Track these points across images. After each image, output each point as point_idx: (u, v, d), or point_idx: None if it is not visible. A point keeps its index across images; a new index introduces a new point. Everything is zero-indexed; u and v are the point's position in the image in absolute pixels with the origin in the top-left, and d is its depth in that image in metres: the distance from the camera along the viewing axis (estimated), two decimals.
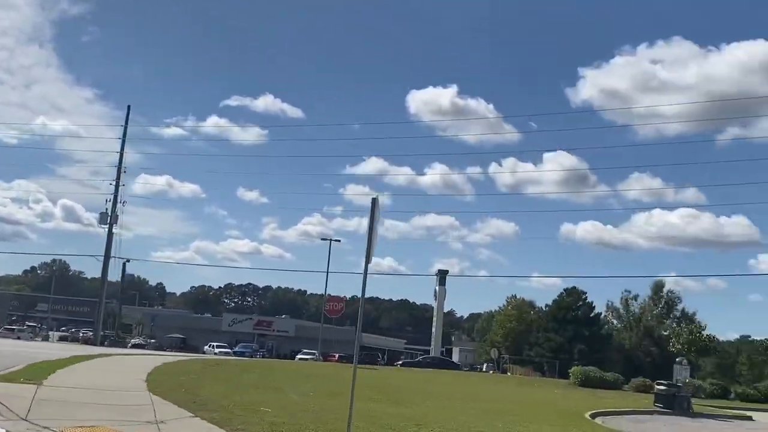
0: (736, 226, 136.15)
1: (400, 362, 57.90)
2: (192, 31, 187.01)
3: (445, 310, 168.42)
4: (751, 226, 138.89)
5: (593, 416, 21.88)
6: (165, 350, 60.88)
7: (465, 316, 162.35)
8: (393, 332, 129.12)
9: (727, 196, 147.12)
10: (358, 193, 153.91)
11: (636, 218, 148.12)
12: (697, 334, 37.51)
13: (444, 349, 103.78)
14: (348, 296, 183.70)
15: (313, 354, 60.21)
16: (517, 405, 23.06)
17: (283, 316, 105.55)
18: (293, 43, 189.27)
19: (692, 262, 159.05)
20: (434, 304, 60.23)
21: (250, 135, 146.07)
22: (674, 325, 64.85)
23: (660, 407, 27.27)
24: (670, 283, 79.16)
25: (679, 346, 36.91)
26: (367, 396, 20.72)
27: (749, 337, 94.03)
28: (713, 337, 39.00)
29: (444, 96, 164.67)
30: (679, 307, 79.38)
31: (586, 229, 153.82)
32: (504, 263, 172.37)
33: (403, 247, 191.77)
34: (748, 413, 29.54)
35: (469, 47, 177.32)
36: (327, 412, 14.34)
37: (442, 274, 59.12)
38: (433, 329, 58.38)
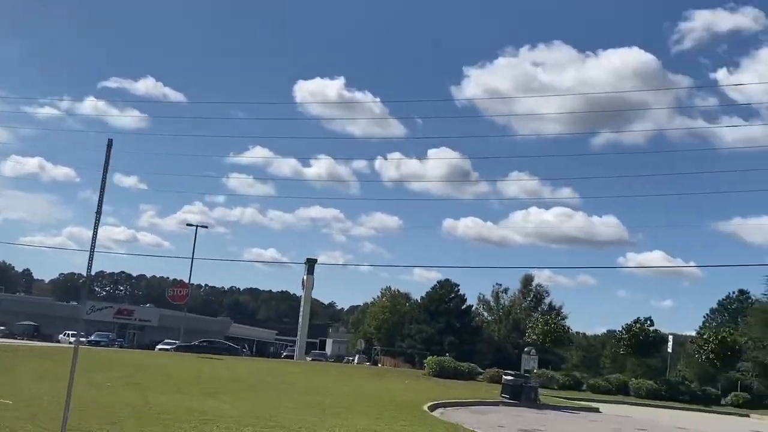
0: (607, 225, 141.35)
1: (169, 346, 55.66)
2: (70, 7, 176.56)
3: (326, 302, 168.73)
4: (620, 225, 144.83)
5: (432, 408, 20.70)
6: (15, 338, 56.70)
7: (346, 308, 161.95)
8: (270, 323, 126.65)
9: (599, 196, 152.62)
10: (241, 182, 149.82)
11: (514, 215, 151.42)
12: (552, 325, 37.39)
13: (318, 341, 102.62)
14: (226, 287, 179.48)
15: (175, 344, 57.04)
16: (351, 397, 21.63)
17: (147, 305, 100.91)
18: (177, 25, 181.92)
19: (565, 259, 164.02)
20: (303, 293, 58.39)
21: (129, 118, 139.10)
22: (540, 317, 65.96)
23: (506, 398, 26.54)
24: (542, 278, 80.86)
25: (535, 337, 36.70)
26: (179, 388, 18.83)
27: (615, 331, 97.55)
28: (568, 328, 39.08)
29: (331, 87, 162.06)
30: (547, 300, 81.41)
31: (467, 225, 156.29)
32: (387, 256, 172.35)
33: (287, 238, 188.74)
34: (596, 405, 29.39)
35: (357, 40, 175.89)
36: (102, 406, 12.35)
37: (311, 263, 57.34)
38: (300, 319, 56.51)
